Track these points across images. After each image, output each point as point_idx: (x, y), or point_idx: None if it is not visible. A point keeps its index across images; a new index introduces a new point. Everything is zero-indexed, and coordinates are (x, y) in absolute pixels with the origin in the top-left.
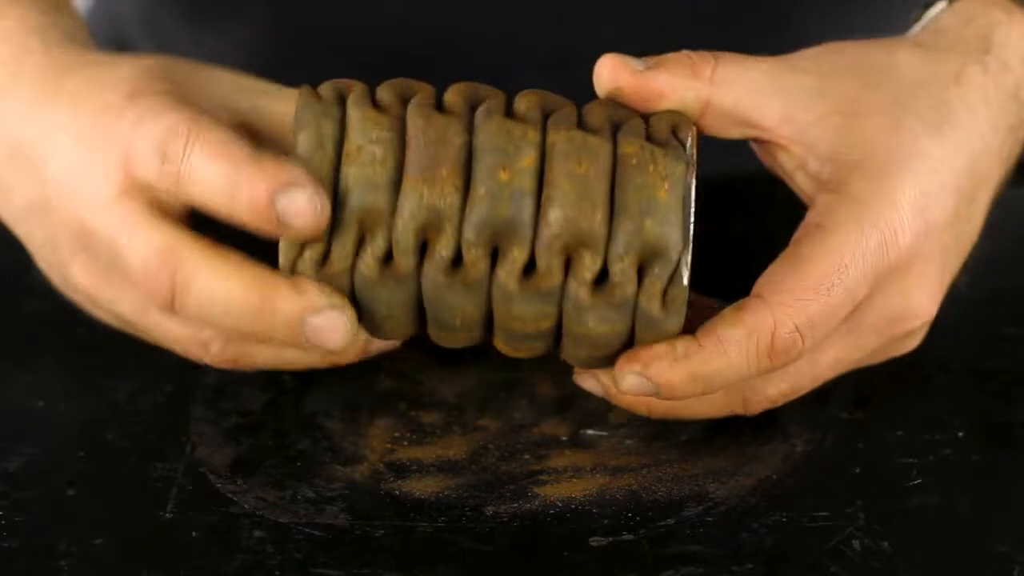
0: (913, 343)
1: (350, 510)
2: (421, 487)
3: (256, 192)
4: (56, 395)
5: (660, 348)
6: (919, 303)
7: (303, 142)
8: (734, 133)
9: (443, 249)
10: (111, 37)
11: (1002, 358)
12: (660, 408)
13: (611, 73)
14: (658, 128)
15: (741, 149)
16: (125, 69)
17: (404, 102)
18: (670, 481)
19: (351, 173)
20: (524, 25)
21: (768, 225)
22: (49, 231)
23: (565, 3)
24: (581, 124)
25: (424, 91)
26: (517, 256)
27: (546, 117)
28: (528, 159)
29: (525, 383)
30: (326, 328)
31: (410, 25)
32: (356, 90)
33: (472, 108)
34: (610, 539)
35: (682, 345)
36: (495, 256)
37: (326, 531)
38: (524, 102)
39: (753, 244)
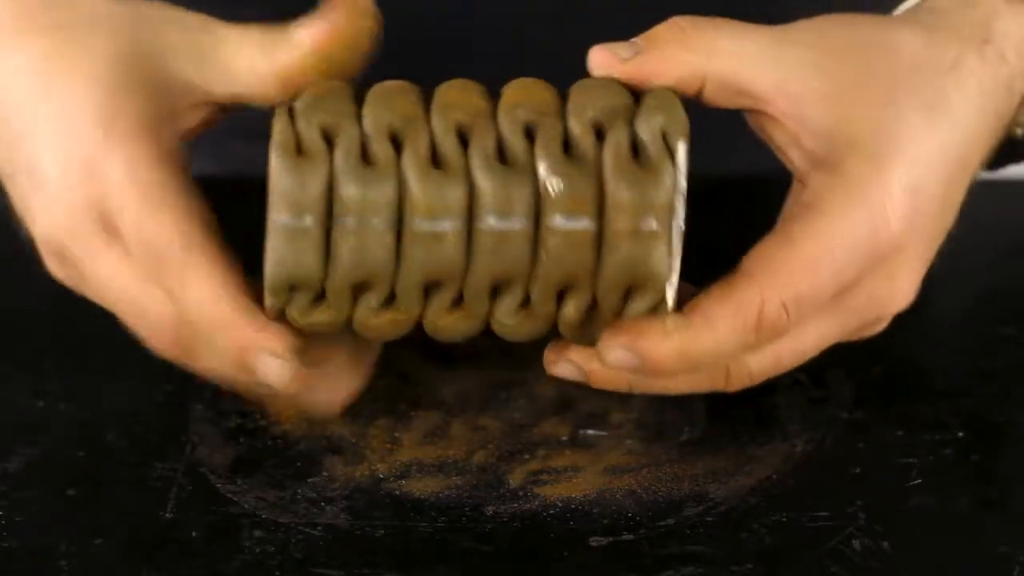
0: (880, 327)
1: (350, 510)
2: (421, 487)
3: (233, 348)
4: (56, 395)
5: (648, 322)
6: (902, 290)
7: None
8: (730, 103)
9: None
10: None
11: (1002, 358)
12: (642, 384)
13: (602, 67)
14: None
15: (741, 149)
16: (94, 59)
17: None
18: (670, 481)
19: None
20: (528, 23)
21: (766, 225)
22: (19, 203)
23: (570, 2)
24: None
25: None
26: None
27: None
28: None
29: (525, 383)
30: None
31: (412, 23)
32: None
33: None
34: (610, 539)
35: (671, 320)
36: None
37: (326, 531)
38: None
39: (751, 245)
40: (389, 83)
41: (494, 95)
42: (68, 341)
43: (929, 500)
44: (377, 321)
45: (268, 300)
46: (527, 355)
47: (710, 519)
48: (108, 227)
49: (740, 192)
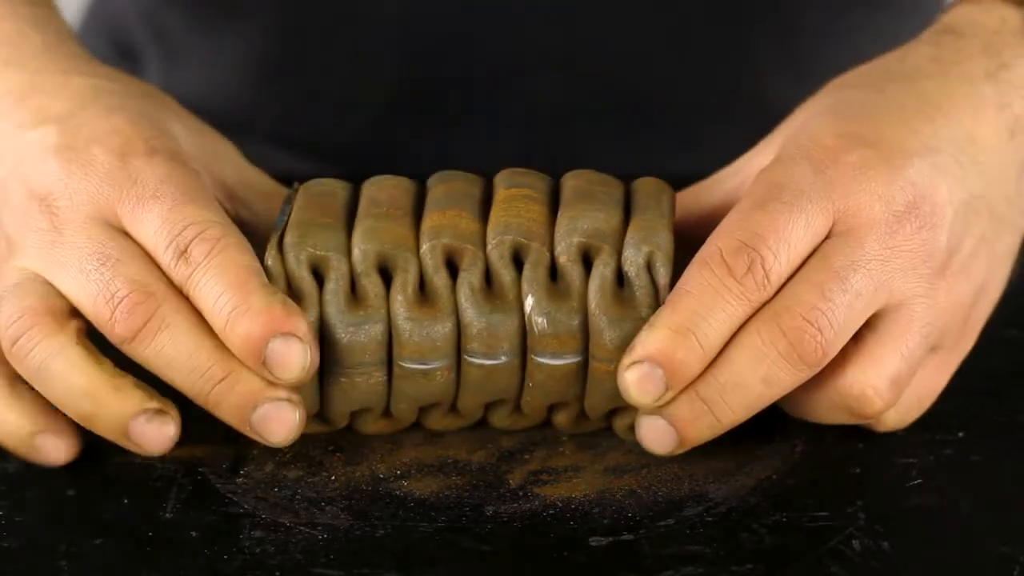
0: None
1: (350, 510)
2: (421, 487)
3: (253, 327)
4: None
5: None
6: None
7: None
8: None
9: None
10: (112, 37)
11: (1002, 358)
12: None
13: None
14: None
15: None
16: (138, 103)
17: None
18: (670, 481)
19: None
20: (531, 25)
21: None
22: None
23: (571, 1)
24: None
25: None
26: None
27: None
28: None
29: None
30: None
31: (417, 25)
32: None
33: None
34: (610, 539)
35: (653, 316)
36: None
37: (326, 531)
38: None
39: None
40: (381, 191)
41: (487, 193)
42: None
43: (929, 500)
44: (373, 428)
45: None
46: None
47: (710, 519)
48: (113, 222)
49: None
